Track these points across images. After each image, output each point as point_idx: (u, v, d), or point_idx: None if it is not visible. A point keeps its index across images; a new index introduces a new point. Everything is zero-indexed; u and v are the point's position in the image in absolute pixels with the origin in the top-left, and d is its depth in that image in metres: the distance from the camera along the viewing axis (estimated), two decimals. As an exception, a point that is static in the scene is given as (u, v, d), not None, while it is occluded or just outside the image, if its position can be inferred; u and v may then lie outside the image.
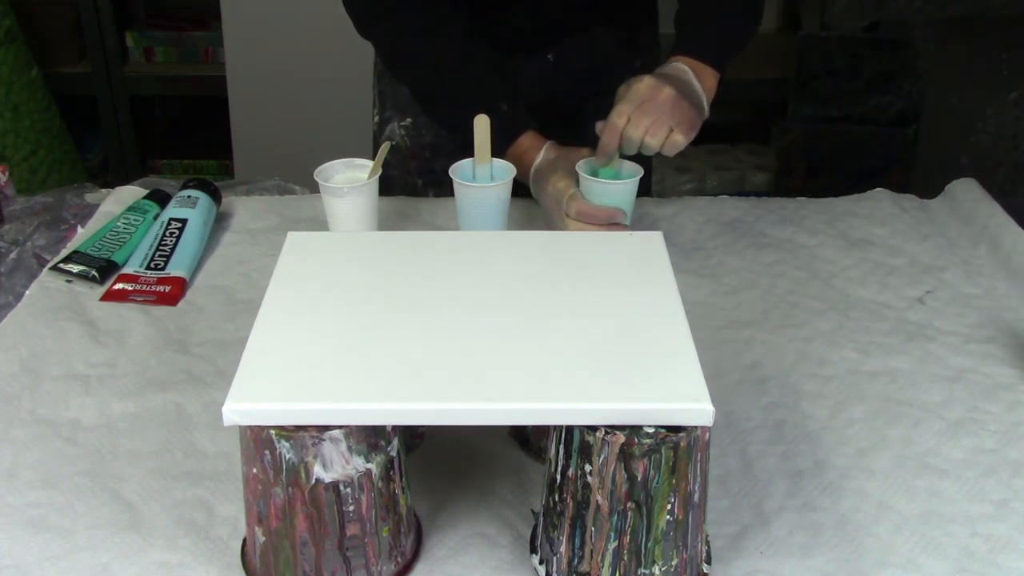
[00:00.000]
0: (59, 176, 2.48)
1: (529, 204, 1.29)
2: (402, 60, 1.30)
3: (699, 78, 1.19)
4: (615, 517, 0.73)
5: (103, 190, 1.42)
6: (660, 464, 0.71)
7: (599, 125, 1.15)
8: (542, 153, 1.21)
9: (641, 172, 1.17)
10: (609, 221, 1.14)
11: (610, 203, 1.15)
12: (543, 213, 1.23)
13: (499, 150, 1.18)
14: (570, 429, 0.72)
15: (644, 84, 1.14)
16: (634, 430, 0.71)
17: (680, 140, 1.13)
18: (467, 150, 1.17)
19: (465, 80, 1.24)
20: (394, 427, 0.75)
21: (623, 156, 1.16)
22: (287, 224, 1.32)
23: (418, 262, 0.89)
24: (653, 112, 1.12)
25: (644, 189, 1.21)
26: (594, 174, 1.15)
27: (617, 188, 1.15)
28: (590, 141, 1.17)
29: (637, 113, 1.12)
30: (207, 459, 0.92)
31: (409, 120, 1.41)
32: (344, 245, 0.94)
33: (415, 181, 1.44)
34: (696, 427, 0.72)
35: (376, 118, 1.46)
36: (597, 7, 1.36)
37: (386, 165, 1.32)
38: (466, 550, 0.83)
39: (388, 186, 1.42)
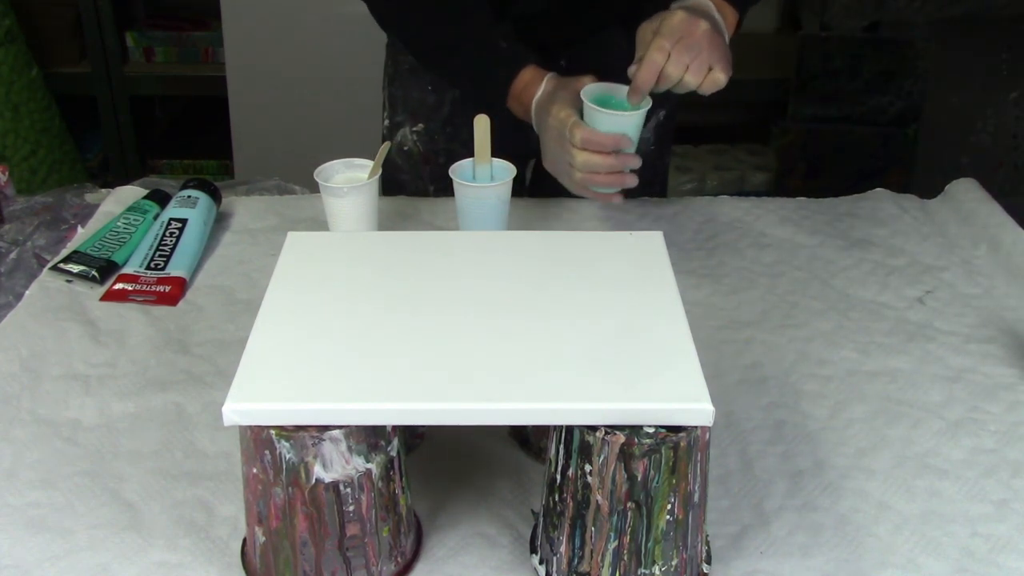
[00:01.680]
0: (59, 176, 2.48)
1: (529, 204, 1.29)
2: (397, 8, 1.25)
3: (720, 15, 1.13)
4: (615, 517, 0.73)
5: (103, 190, 1.42)
6: (660, 464, 0.71)
7: (632, 68, 1.08)
8: (543, 86, 1.16)
9: (651, 102, 1.10)
10: (615, 148, 1.08)
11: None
12: (544, 151, 1.17)
13: (501, 89, 1.14)
14: (570, 429, 0.72)
15: (678, 19, 1.07)
16: (634, 430, 0.71)
17: (721, 79, 1.07)
18: (466, 102, 1.12)
19: (461, 24, 1.20)
20: (394, 427, 0.75)
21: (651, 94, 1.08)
22: (287, 224, 1.32)
23: (418, 262, 0.89)
24: (692, 48, 1.06)
25: (659, 190, 1.16)
26: (598, 103, 1.07)
27: (625, 120, 1.08)
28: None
29: (677, 49, 1.06)
30: (207, 459, 0.92)
31: (421, 125, 1.39)
32: (344, 245, 0.94)
33: (427, 187, 1.42)
34: (696, 427, 0.72)
35: (386, 122, 1.43)
36: (610, 12, 1.34)
37: (397, 169, 1.31)
38: (466, 550, 0.83)
39: (399, 191, 1.40)
